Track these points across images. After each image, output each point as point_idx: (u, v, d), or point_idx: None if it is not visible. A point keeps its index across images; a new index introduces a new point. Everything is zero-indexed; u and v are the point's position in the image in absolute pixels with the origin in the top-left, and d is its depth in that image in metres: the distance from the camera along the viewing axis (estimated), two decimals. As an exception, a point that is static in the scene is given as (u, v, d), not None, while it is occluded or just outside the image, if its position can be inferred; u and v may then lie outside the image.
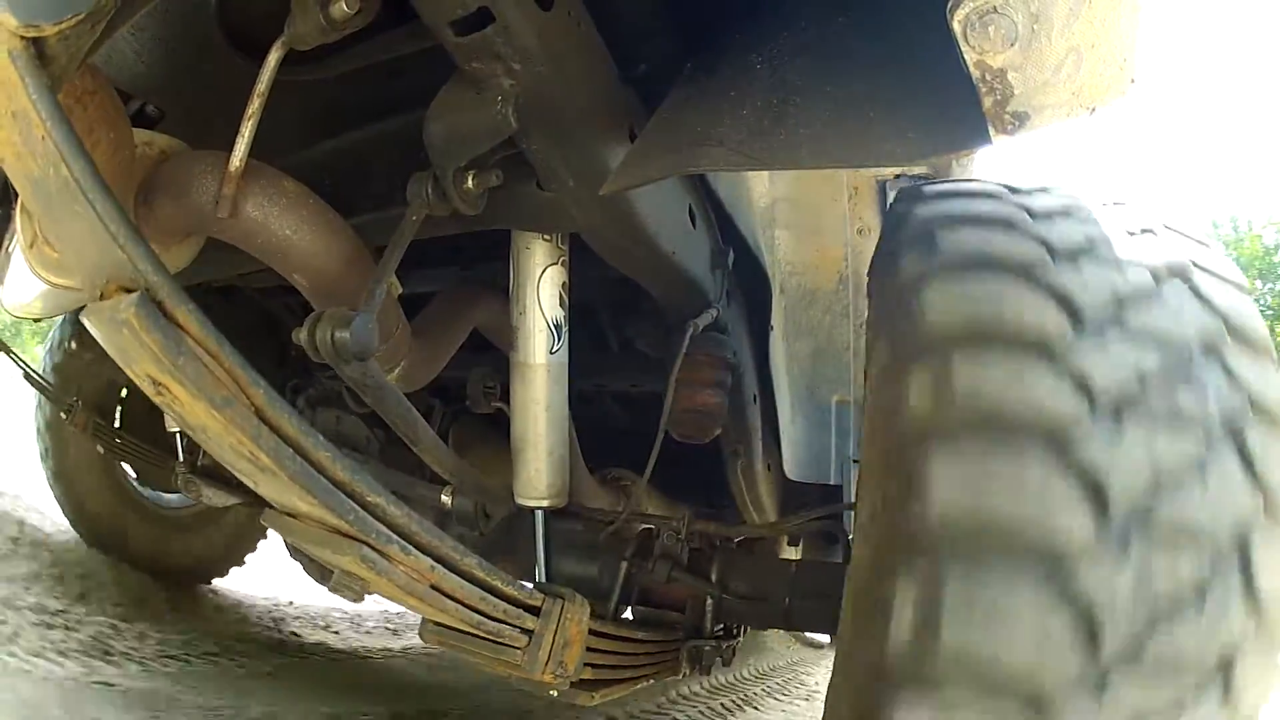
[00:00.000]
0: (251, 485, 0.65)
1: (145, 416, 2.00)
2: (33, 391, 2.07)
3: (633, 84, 0.91)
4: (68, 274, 0.93)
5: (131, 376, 0.55)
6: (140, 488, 2.23)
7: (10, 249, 0.97)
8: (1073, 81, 0.57)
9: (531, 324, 1.05)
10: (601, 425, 1.36)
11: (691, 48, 0.90)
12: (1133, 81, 0.59)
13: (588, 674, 0.91)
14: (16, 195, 0.92)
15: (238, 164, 0.79)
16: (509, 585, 0.75)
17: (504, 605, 0.74)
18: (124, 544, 2.15)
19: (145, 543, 2.20)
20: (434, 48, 0.77)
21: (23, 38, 0.44)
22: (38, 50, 0.45)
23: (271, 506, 0.69)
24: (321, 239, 0.87)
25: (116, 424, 2.02)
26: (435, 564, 0.65)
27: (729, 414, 1.35)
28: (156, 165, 0.88)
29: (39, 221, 0.54)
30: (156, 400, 0.55)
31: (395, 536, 0.61)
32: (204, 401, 0.50)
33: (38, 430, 2.15)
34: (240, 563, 2.55)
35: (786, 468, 1.50)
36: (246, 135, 0.77)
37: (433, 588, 0.66)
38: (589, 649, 0.88)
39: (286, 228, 0.86)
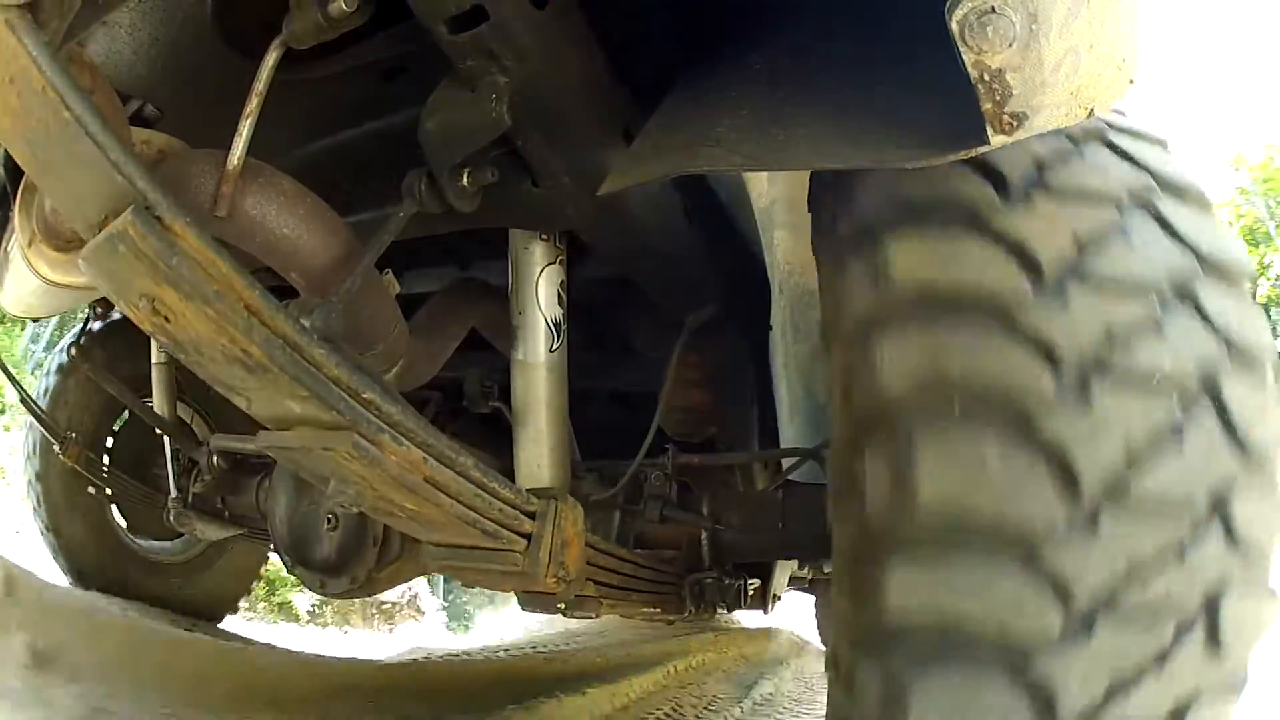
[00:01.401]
0: (245, 406, 0.66)
1: (136, 456, 1.99)
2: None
3: (630, 84, 0.91)
4: (66, 271, 0.93)
5: (128, 310, 0.56)
6: (133, 538, 2.17)
7: (9, 249, 0.97)
8: (1071, 82, 0.56)
9: (531, 323, 1.06)
10: (592, 425, 1.37)
11: (690, 48, 0.90)
12: (1131, 82, 0.59)
13: (590, 590, 0.92)
14: (15, 196, 0.92)
15: (236, 163, 0.79)
16: (505, 487, 0.75)
17: (499, 505, 0.75)
18: (123, 594, 2.07)
19: (141, 592, 2.13)
20: (430, 46, 0.77)
21: (18, 6, 0.48)
22: (34, 16, 0.49)
23: (265, 429, 0.69)
24: (319, 238, 0.87)
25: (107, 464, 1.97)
26: (428, 457, 0.65)
27: (727, 414, 1.35)
28: (155, 164, 0.88)
29: (37, 178, 0.57)
30: (151, 326, 0.56)
31: (387, 428, 0.62)
32: (197, 302, 0.52)
33: (29, 482, 2.08)
34: (234, 609, 2.51)
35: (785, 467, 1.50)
36: (245, 134, 0.77)
37: (426, 480, 0.66)
38: (590, 564, 0.88)
39: (284, 226, 0.85)
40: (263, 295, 0.55)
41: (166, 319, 0.54)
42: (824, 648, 4.27)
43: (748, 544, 1.22)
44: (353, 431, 0.60)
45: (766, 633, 4.11)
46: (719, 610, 1.34)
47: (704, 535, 1.21)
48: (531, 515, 0.79)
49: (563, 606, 0.94)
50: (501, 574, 0.82)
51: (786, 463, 1.29)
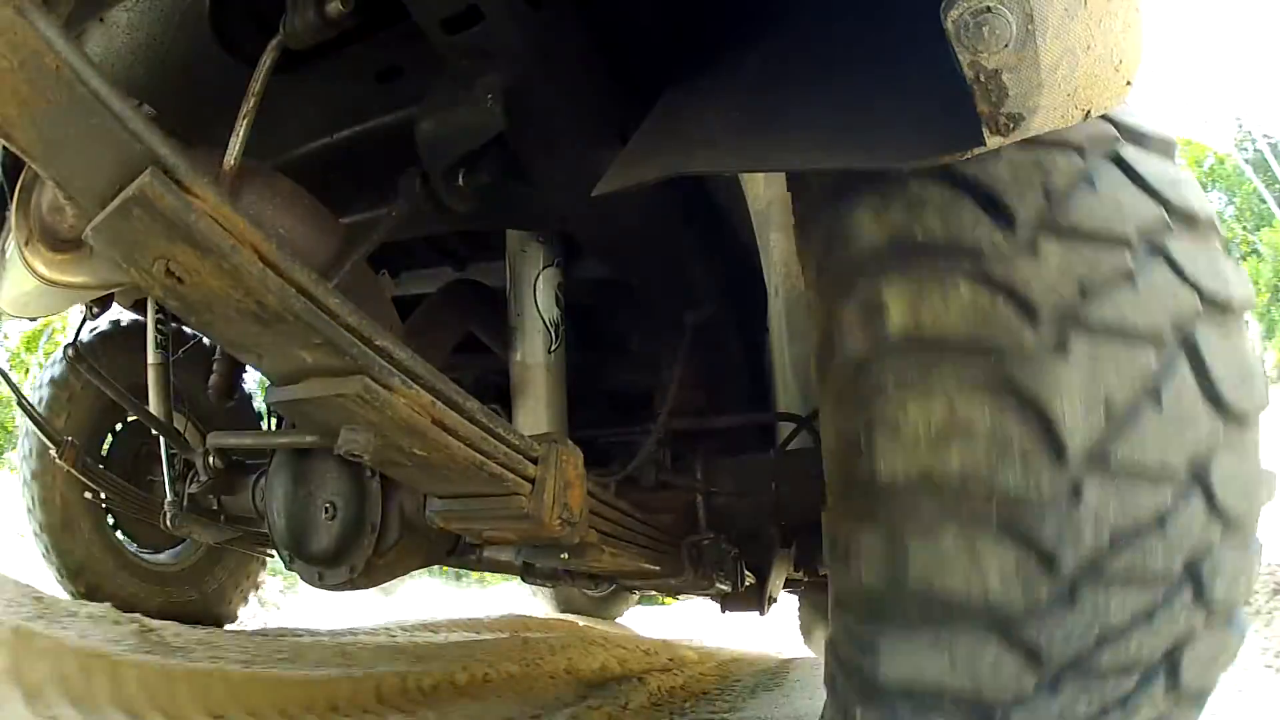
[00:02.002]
0: (255, 364, 0.68)
1: (132, 462, 2.00)
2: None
3: (626, 84, 0.91)
4: (63, 271, 0.93)
5: (139, 275, 0.57)
6: (129, 544, 2.17)
7: (6, 249, 0.97)
8: (1068, 83, 0.56)
9: (530, 324, 1.06)
10: (585, 425, 1.38)
11: (686, 49, 0.90)
12: (1129, 84, 0.59)
13: (593, 537, 0.93)
14: (13, 196, 0.92)
15: (232, 163, 0.79)
16: (509, 432, 0.77)
17: (504, 449, 0.77)
18: (119, 599, 2.05)
19: (139, 599, 2.11)
20: (426, 47, 0.77)
21: (31, -9, 0.49)
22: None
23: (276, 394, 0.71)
24: (315, 237, 0.87)
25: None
26: (436, 400, 0.68)
27: (721, 414, 1.35)
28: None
29: (44, 162, 0.57)
30: (163, 290, 0.58)
31: (397, 372, 0.64)
32: (214, 257, 0.53)
33: (24, 480, 2.09)
34: (234, 618, 2.48)
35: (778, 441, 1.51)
36: (241, 134, 0.77)
37: (434, 423, 0.68)
38: (591, 512, 0.90)
39: (280, 227, 0.85)
40: (279, 247, 0.57)
41: (180, 280, 0.55)
42: (739, 652, 3.90)
43: (743, 509, 1.25)
44: (364, 375, 0.62)
45: (635, 638, 3.16)
46: (718, 581, 1.35)
47: (699, 499, 1.24)
48: (534, 460, 0.81)
49: (566, 556, 0.95)
50: (508, 520, 0.83)
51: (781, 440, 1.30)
